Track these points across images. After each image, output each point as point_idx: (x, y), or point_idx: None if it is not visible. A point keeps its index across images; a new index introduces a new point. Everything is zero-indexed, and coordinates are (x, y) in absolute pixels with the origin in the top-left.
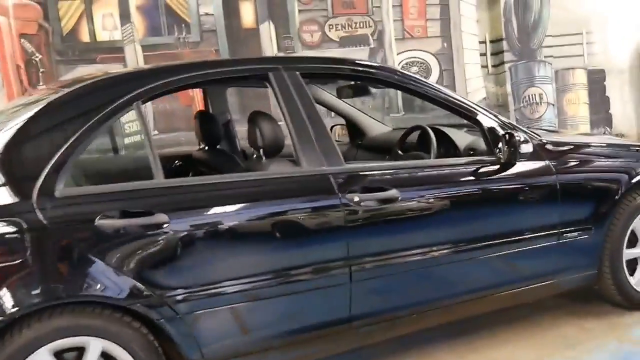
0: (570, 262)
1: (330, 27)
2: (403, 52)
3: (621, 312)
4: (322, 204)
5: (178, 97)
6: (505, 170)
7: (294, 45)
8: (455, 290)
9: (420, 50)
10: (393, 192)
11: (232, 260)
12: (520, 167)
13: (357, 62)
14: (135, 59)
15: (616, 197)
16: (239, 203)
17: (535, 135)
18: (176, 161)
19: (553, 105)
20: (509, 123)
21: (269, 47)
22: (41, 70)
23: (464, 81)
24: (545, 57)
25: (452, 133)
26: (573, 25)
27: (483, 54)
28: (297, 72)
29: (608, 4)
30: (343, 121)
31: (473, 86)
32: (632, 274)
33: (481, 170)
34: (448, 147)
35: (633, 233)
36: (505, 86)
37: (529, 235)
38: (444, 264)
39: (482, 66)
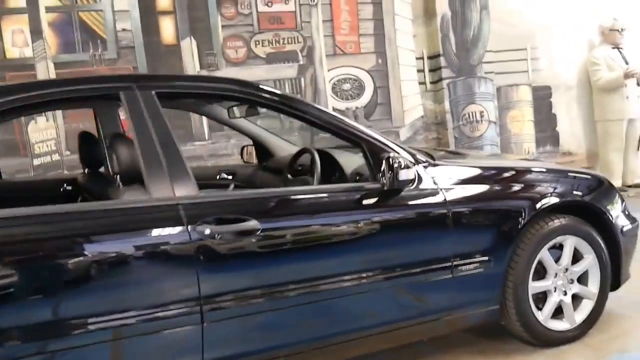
0: (468, 296)
1: (257, 43)
2: (334, 68)
3: (532, 349)
4: (168, 237)
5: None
6: (386, 199)
7: (217, 62)
8: (332, 330)
9: (353, 66)
10: (252, 224)
11: (66, 302)
12: (404, 194)
13: (224, 79)
14: (47, 77)
15: (518, 225)
16: (78, 236)
17: (426, 160)
18: (65, 185)
19: (495, 123)
20: (399, 146)
21: (191, 64)
22: None
23: (400, 98)
24: (486, 73)
25: (345, 157)
26: (517, 41)
27: (420, 71)
28: (153, 92)
29: (553, 19)
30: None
31: (410, 104)
32: (540, 309)
33: (358, 198)
34: (336, 172)
35: (541, 264)
36: (444, 103)
37: (418, 269)
38: (316, 301)
39: (420, 83)
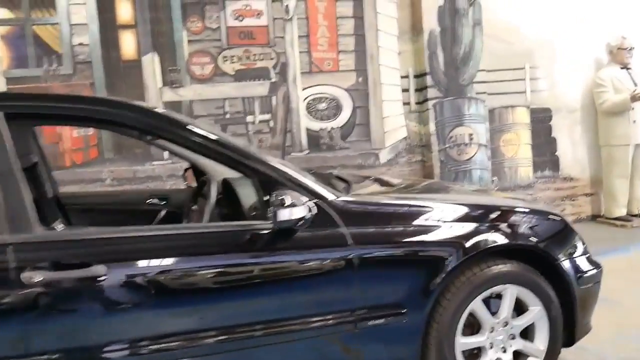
0: (378, 353)
1: (225, 59)
2: (310, 87)
3: None
4: None
5: (43, 134)
6: (275, 240)
7: (181, 79)
8: None
9: (330, 85)
10: (97, 269)
11: None
12: (302, 235)
13: (95, 100)
14: None
15: (442, 272)
16: None
17: (336, 195)
18: None
19: (485, 146)
20: (302, 178)
21: (152, 80)
22: None
23: (381, 119)
24: (477, 93)
25: (247, 188)
26: (514, 59)
27: (406, 90)
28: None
29: (556, 36)
30: None
31: (392, 125)
32: None
33: (241, 239)
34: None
35: (473, 316)
36: (429, 125)
37: (310, 322)
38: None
39: (405, 103)
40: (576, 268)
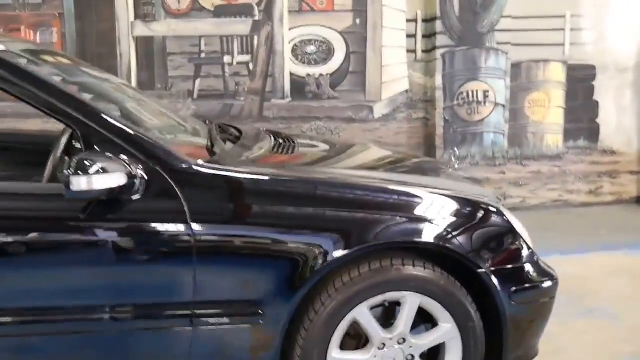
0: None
1: None
2: (298, 27)
3: None
4: None
5: None
6: (90, 211)
7: (155, 12)
8: None
9: (322, 26)
10: None
11: None
12: (132, 207)
13: None
14: None
15: (314, 269)
16: None
17: (178, 160)
18: None
19: (504, 106)
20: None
21: (125, 13)
22: None
23: (379, 67)
24: (498, 44)
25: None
26: (552, 5)
27: (412, 36)
28: None
29: None
30: None
31: (392, 75)
32: None
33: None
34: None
35: (355, 327)
36: (435, 77)
37: (133, 313)
38: None
39: (409, 51)
40: (510, 279)
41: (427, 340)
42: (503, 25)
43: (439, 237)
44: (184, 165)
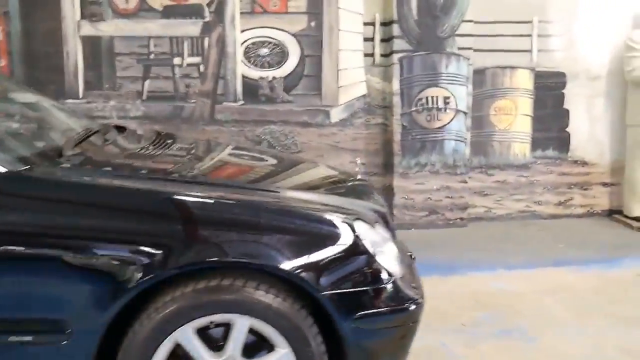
0: None
1: None
2: (250, 29)
3: None
4: None
5: None
6: None
7: (103, 12)
8: None
9: (275, 28)
10: None
11: None
12: None
13: None
14: None
15: (125, 286)
16: None
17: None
18: None
19: (465, 113)
20: None
21: (71, 12)
22: None
23: (336, 71)
24: (459, 49)
25: None
26: (519, 10)
27: (369, 39)
28: None
29: None
30: None
31: (349, 79)
32: None
33: None
34: None
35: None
36: (392, 82)
37: None
38: None
39: (367, 54)
40: (354, 304)
41: None
42: (465, 30)
43: (267, 257)
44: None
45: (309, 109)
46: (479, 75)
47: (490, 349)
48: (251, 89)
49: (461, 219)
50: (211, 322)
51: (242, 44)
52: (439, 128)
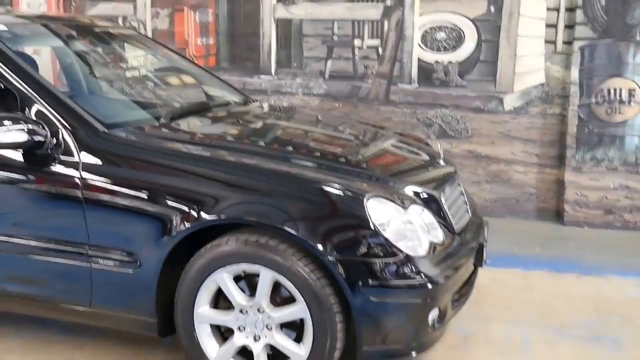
0: (114, 297)
1: None
2: (429, 13)
3: None
4: None
5: (174, 40)
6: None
7: None
8: None
9: (454, 12)
10: None
11: None
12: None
13: None
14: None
15: (175, 232)
16: None
17: (84, 125)
18: None
19: None
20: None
21: None
22: (73, 4)
23: (513, 58)
24: None
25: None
26: None
27: (552, 26)
28: None
29: None
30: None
31: (527, 66)
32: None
33: None
34: None
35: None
36: (571, 71)
37: (47, 245)
38: None
39: (548, 41)
40: (362, 273)
41: (280, 313)
42: None
43: (280, 220)
44: (92, 132)
45: (482, 94)
46: None
47: (568, 351)
48: (426, 72)
49: None
50: (243, 272)
51: (420, 27)
52: (620, 122)
